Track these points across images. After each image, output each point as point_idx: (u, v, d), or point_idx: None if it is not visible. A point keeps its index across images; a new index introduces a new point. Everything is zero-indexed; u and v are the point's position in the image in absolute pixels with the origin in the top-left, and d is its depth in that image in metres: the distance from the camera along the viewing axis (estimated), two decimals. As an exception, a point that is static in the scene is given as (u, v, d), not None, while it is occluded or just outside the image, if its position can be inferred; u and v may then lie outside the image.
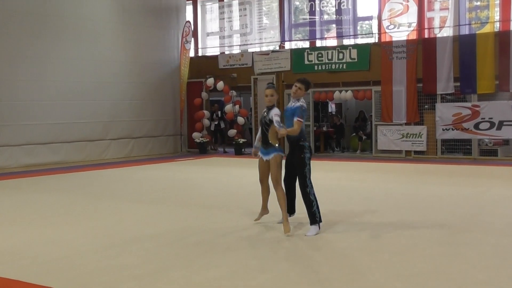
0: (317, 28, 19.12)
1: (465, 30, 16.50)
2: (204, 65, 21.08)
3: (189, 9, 21.88)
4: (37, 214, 8.73)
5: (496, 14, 16.09)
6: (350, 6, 18.33)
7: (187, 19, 21.26)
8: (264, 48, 20.38)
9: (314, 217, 6.86)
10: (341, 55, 18.15)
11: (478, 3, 16.25)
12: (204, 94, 20.58)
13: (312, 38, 19.39)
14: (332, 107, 22.70)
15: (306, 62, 18.71)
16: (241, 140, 19.47)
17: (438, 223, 7.43)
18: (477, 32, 16.19)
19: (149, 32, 19.76)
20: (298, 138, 6.95)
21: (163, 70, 20.34)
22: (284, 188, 7.09)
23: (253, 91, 19.72)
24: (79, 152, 17.37)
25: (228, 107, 19.89)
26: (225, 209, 8.78)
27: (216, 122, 20.82)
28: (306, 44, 19.99)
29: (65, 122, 16.93)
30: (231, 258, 5.88)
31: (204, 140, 20.21)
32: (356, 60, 17.90)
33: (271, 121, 6.88)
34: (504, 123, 15.56)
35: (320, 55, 18.52)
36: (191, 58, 21.17)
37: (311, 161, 7.06)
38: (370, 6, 18.63)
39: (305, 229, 6.94)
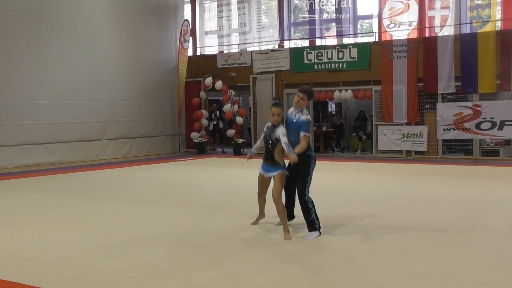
0: (317, 27, 19.14)
1: (466, 29, 16.53)
2: (203, 64, 21.09)
3: (187, 7, 21.88)
4: (35, 214, 8.74)
5: (497, 12, 16.10)
6: (350, 5, 18.34)
7: (185, 18, 21.26)
8: (263, 47, 20.39)
9: (313, 225, 6.84)
10: (341, 54, 18.17)
11: (480, 1, 16.28)
12: (202, 94, 20.59)
13: (311, 37, 19.39)
14: (332, 107, 22.73)
15: (306, 61, 18.72)
16: (240, 140, 19.48)
17: (439, 224, 7.44)
18: (478, 31, 16.21)
19: (147, 31, 19.77)
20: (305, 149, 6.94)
21: (161, 70, 20.35)
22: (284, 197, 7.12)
23: (252, 90, 19.73)
24: (76, 152, 17.39)
25: (227, 107, 19.89)
26: (224, 210, 8.79)
27: (214, 122, 20.83)
28: (305, 43, 20.00)
29: (62, 122, 16.95)
30: (230, 259, 5.89)
31: (203, 140, 20.21)
32: (356, 59, 17.92)
33: (278, 140, 6.84)
34: (506, 123, 15.58)
35: (319, 54, 18.54)
36: (189, 57, 21.18)
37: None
38: (370, 5, 18.64)
39: (304, 232, 6.93)
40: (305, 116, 6.90)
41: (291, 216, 7.30)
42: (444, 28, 16.93)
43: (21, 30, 16.00)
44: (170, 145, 20.77)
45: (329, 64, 18.36)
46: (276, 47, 19.94)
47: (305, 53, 18.82)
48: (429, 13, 17.13)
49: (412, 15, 17.28)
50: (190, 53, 21.42)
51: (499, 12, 16.13)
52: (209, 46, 21.79)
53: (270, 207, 7.40)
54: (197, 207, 9.16)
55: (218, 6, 21.22)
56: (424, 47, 16.80)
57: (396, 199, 9.66)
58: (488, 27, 16.11)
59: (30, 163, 16.08)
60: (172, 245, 6.52)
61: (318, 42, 19.46)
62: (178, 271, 5.48)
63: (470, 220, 7.80)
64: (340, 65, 18.19)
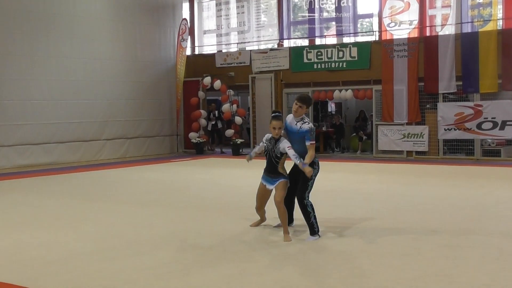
0: (317, 26, 19.12)
1: (467, 28, 16.52)
2: (201, 64, 21.09)
3: (185, 6, 21.87)
4: (31, 216, 8.73)
5: (499, 11, 16.09)
6: (350, 4, 18.33)
7: (183, 17, 21.25)
8: (262, 46, 20.38)
9: (313, 228, 6.84)
10: (341, 54, 18.17)
11: (481, 0, 16.27)
12: (201, 93, 20.58)
13: (311, 36, 19.38)
14: (331, 107, 22.72)
15: (305, 60, 18.72)
16: (239, 140, 19.47)
17: (440, 225, 7.44)
18: (479, 30, 16.20)
19: (145, 30, 19.76)
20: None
21: (159, 69, 20.34)
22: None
23: (251, 90, 19.72)
24: (73, 152, 17.37)
25: (226, 107, 19.88)
26: (223, 211, 8.78)
27: (213, 122, 20.81)
28: (305, 42, 19.99)
29: (58, 122, 16.93)
30: (229, 261, 5.88)
31: (201, 140, 20.20)
32: (356, 58, 17.92)
33: (282, 154, 6.85)
34: (507, 123, 15.58)
35: (319, 53, 18.53)
36: (188, 56, 21.16)
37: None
38: (370, 4, 18.63)
39: (304, 235, 6.92)
40: (307, 124, 6.88)
41: (290, 220, 7.27)
42: (445, 27, 16.92)
43: (17, 28, 15.98)
44: (168, 145, 20.76)
45: (329, 64, 18.36)
46: (276, 46, 19.94)
47: (304, 52, 18.82)
48: (430, 12, 17.11)
49: (413, 14, 17.27)
50: (188, 52, 21.40)
51: (501, 11, 16.12)
52: (208, 45, 21.78)
53: (271, 208, 7.39)
54: (196, 208, 9.15)
55: (216, 4, 21.21)
56: (425, 46, 16.80)
57: (397, 200, 9.66)
58: (489, 26, 16.10)
59: (26, 164, 16.06)
60: (170, 247, 6.50)
61: (318, 41, 19.44)
62: (176, 273, 5.47)
63: (472, 221, 7.79)
64: (340, 64, 18.19)
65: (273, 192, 7.01)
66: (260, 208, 7.34)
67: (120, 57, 18.84)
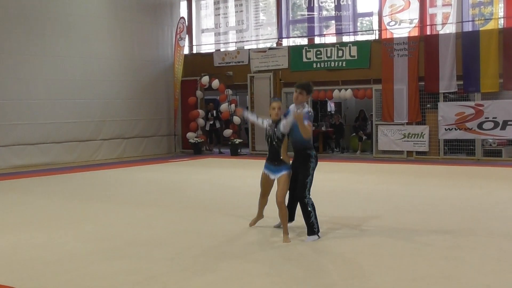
0: (316, 24, 19.12)
1: (468, 27, 16.54)
2: (199, 63, 21.08)
3: (183, 4, 21.86)
4: (27, 217, 8.73)
5: (500, 10, 16.12)
6: (349, 2, 18.34)
7: (181, 15, 21.25)
8: (261, 45, 20.39)
9: (312, 228, 6.81)
10: (340, 53, 18.18)
11: (482, -1, 16.31)
12: (198, 93, 20.58)
13: (310, 35, 19.38)
14: (331, 106, 22.73)
15: (304, 59, 18.73)
16: (237, 140, 19.48)
17: (441, 226, 7.45)
18: (480, 28, 16.22)
19: (142, 28, 19.76)
20: (305, 146, 6.90)
21: (156, 68, 20.34)
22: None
23: (250, 89, 19.72)
24: (69, 152, 17.36)
25: (224, 106, 19.89)
26: (221, 212, 8.79)
27: (211, 122, 20.81)
28: (304, 41, 19.99)
29: (55, 122, 16.92)
30: (227, 262, 5.89)
31: (199, 140, 20.21)
32: (356, 57, 17.93)
33: (283, 135, 6.85)
34: (509, 122, 15.61)
35: (318, 52, 18.54)
36: (186, 55, 21.16)
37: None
38: (370, 2, 18.67)
39: (304, 235, 6.90)
40: (307, 108, 6.92)
41: (291, 217, 7.26)
42: (446, 26, 16.94)
43: (13, 27, 15.96)
44: (165, 145, 20.75)
45: (328, 63, 18.38)
46: (274, 45, 19.95)
47: (303, 51, 18.83)
48: (430, 10, 17.14)
49: (413, 13, 17.29)
50: (186, 51, 21.41)
51: (502, 10, 16.15)
52: (206, 44, 21.77)
53: (271, 208, 7.40)
54: (194, 209, 9.15)
55: (214, 3, 21.20)
56: (425, 45, 16.82)
57: (397, 200, 9.67)
58: (490, 25, 16.12)
59: (22, 164, 16.05)
60: (168, 248, 6.51)
61: (317, 40, 19.45)
62: (174, 275, 5.48)
63: (472, 222, 7.81)
64: (340, 63, 18.20)
65: (275, 190, 6.97)
66: (264, 195, 7.25)
67: (117, 56, 18.83)
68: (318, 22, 19.14)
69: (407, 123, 17.11)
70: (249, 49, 20.16)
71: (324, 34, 19.41)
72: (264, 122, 7.04)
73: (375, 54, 17.63)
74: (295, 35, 20.56)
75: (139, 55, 19.59)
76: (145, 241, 6.90)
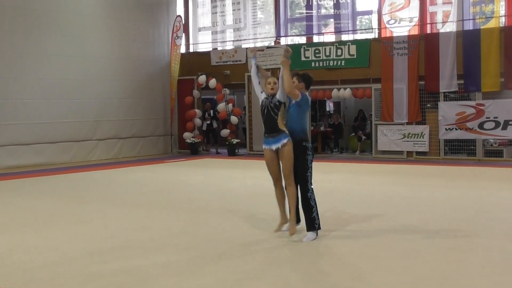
0: (314, 23, 19.12)
1: (469, 25, 16.55)
2: (196, 62, 21.08)
3: (180, 3, 21.86)
4: (21, 218, 8.70)
5: (501, 8, 16.14)
6: (349, 0, 18.34)
7: (177, 14, 21.25)
8: (259, 44, 20.38)
9: (313, 223, 6.79)
10: (339, 51, 18.18)
11: (483, -3, 16.32)
12: (195, 92, 20.57)
13: (309, 33, 19.39)
14: (330, 106, 22.74)
15: (303, 58, 18.72)
16: (235, 141, 19.47)
17: (441, 228, 7.45)
18: (481, 27, 16.23)
19: (138, 27, 19.74)
20: (301, 138, 6.86)
21: (152, 67, 20.33)
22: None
23: (247, 89, 19.71)
24: (64, 153, 17.34)
25: (221, 106, 19.89)
26: (218, 213, 8.78)
27: (208, 122, 20.81)
28: (302, 40, 20.00)
29: (49, 122, 16.90)
30: (224, 264, 5.88)
31: (196, 141, 20.20)
32: (355, 56, 17.93)
33: (280, 103, 6.74)
34: (510, 122, 15.61)
35: (317, 51, 18.54)
36: (182, 54, 21.15)
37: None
38: (369, 0, 18.67)
39: (301, 235, 6.91)
40: (307, 94, 6.96)
41: (296, 219, 7.09)
42: (446, 24, 16.96)
43: (6, 25, 15.94)
44: (162, 146, 20.75)
45: (327, 62, 18.37)
46: (272, 44, 19.94)
47: (302, 50, 18.82)
48: (430, 8, 17.15)
49: (413, 11, 17.30)
50: (183, 50, 21.39)
51: (503, 8, 16.16)
52: (203, 42, 21.76)
53: (271, 209, 7.39)
54: (190, 210, 9.14)
55: (211, 1, 21.19)
56: (425, 44, 16.82)
57: (397, 201, 9.66)
58: (491, 23, 16.14)
59: (16, 165, 16.02)
60: (163, 250, 6.50)
61: (316, 39, 19.46)
62: (170, 277, 5.46)
63: (473, 223, 7.80)
64: (339, 62, 18.20)
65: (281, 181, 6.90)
66: (278, 180, 6.92)
67: (113, 55, 18.81)
68: (317, 20, 19.14)
69: (407, 123, 17.11)
70: (246, 48, 20.15)
71: (323, 33, 19.41)
72: (262, 95, 6.97)
73: (375, 53, 17.63)
74: (293, 34, 20.56)
75: (135, 54, 19.57)
76: (141, 242, 6.89)
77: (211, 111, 20.87)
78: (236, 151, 19.53)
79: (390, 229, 7.43)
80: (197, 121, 20.50)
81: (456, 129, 16.33)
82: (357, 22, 19.06)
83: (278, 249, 6.47)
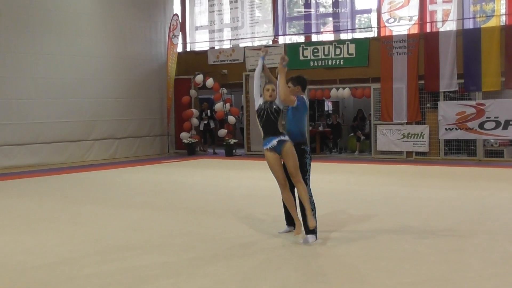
0: (313, 21, 19.14)
1: (469, 24, 16.57)
2: (193, 61, 21.07)
3: (176, 1, 21.86)
4: (16, 219, 8.68)
5: (502, 7, 16.16)
6: (347, -1, 18.38)
7: (174, 12, 21.25)
8: (257, 43, 20.38)
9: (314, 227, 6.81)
10: (338, 51, 18.18)
11: (483, -5, 16.33)
12: (192, 92, 20.56)
13: (307, 32, 19.40)
14: (328, 106, 22.73)
15: (301, 57, 18.72)
16: (232, 141, 19.46)
17: (441, 229, 7.45)
18: (482, 26, 16.25)
19: (134, 25, 19.72)
20: (300, 141, 6.88)
21: (149, 66, 20.31)
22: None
23: (245, 88, 19.71)
24: (59, 153, 17.32)
25: (218, 106, 19.88)
26: (215, 214, 8.77)
27: (205, 122, 20.79)
28: (301, 39, 19.99)
29: (44, 122, 16.87)
30: (221, 266, 5.87)
31: (193, 141, 20.19)
32: (354, 55, 17.94)
33: (280, 109, 6.74)
34: (511, 122, 15.63)
35: (316, 50, 18.54)
36: (179, 53, 21.15)
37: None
38: (369, -1, 18.71)
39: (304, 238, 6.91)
40: (302, 96, 6.96)
41: (292, 222, 7.10)
42: (446, 23, 16.97)
43: (0, 23, 15.90)
44: (158, 146, 20.74)
45: (326, 61, 18.37)
46: (270, 43, 19.94)
47: (300, 49, 18.82)
48: (430, 7, 17.17)
49: (413, 10, 17.32)
50: (179, 49, 21.40)
51: (504, 6, 16.18)
52: (200, 41, 21.76)
53: (270, 209, 7.38)
54: (187, 211, 9.13)
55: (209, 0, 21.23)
56: (425, 43, 16.83)
57: (396, 202, 9.67)
58: (492, 22, 16.15)
59: (11, 165, 15.99)
60: (160, 251, 6.49)
61: (314, 38, 19.47)
62: (166, 279, 5.45)
63: (474, 224, 7.81)
64: (337, 61, 18.20)
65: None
66: (284, 185, 6.77)
67: (109, 54, 18.79)
68: (315, 19, 19.16)
69: (407, 123, 17.12)
70: (244, 47, 20.16)
71: (322, 32, 19.42)
72: (259, 99, 6.96)
73: (374, 52, 17.64)
74: (292, 33, 20.56)
75: (131, 52, 19.55)
76: (138, 244, 6.88)
77: (208, 111, 20.86)
78: (234, 151, 19.52)
79: (389, 230, 7.43)
80: (194, 121, 20.49)
81: (456, 129, 16.34)
82: (356, 21, 19.08)
83: (277, 250, 6.47)
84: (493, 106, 15.85)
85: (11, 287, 5.29)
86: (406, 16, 17.43)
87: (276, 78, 6.93)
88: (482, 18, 16.30)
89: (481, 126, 15.99)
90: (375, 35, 18.16)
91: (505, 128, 15.71)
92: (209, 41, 21.42)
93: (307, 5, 19.11)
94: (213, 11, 21.12)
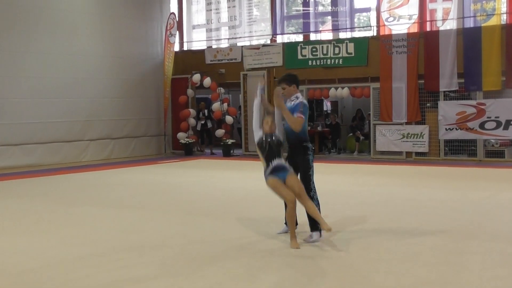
0: (311, 20, 19.14)
1: (469, 23, 16.58)
2: (190, 60, 21.06)
3: (173, -1, 21.89)
4: (9, 221, 8.67)
5: (503, 5, 16.17)
6: (346, -3, 18.38)
7: (171, 11, 21.24)
8: (255, 42, 20.38)
9: (316, 224, 6.81)
10: (337, 50, 18.18)
11: (484, -6, 16.34)
12: (189, 92, 20.55)
13: (306, 31, 19.41)
14: (327, 105, 22.74)
15: (300, 57, 18.73)
16: (230, 141, 19.46)
17: (442, 230, 7.44)
18: (482, 24, 16.27)
19: (131, 24, 19.71)
20: (302, 139, 6.91)
21: (145, 66, 20.30)
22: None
23: (243, 88, 19.71)
24: (54, 154, 17.29)
25: (216, 105, 19.87)
26: (213, 215, 8.76)
27: (202, 122, 20.78)
28: (299, 38, 20.01)
29: (39, 122, 16.84)
30: (219, 268, 5.85)
31: (190, 141, 20.18)
32: (353, 54, 17.94)
33: (281, 141, 6.84)
34: (511, 122, 15.64)
35: (314, 49, 18.54)
36: (176, 52, 21.14)
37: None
38: (368, -3, 18.72)
39: (301, 238, 6.89)
40: (300, 99, 6.94)
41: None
42: (446, 21, 16.99)
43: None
44: (155, 146, 20.73)
45: (325, 60, 18.37)
46: (268, 42, 19.94)
47: (299, 48, 18.82)
48: (430, 6, 17.18)
49: (413, 8, 17.33)
50: (176, 48, 21.39)
51: (505, 5, 16.20)
52: (197, 40, 21.76)
53: (268, 210, 7.37)
54: (184, 212, 9.12)
55: (206, -2, 21.22)
56: (425, 42, 16.84)
57: (396, 203, 9.66)
58: (492, 21, 16.17)
59: (5, 166, 15.94)
60: (157, 254, 6.47)
61: (313, 37, 19.47)
62: (163, 281, 5.44)
63: (474, 225, 7.81)
64: (336, 61, 18.20)
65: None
66: (294, 199, 6.59)
67: (104, 53, 18.77)
68: (314, 17, 19.16)
69: (406, 123, 17.13)
70: (242, 46, 20.16)
71: (320, 31, 19.41)
72: (259, 131, 6.97)
73: (373, 51, 17.64)
74: (290, 32, 20.56)
75: (127, 52, 19.54)
76: (133, 246, 6.86)
77: (206, 111, 20.84)
78: (231, 151, 19.51)
79: (389, 231, 7.43)
80: (191, 121, 20.48)
81: (456, 129, 16.35)
82: (355, 20, 19.09)
83: (275, 251, 6.46)
84: (494, 105, 15.85)
85: (5, 289, 5.28)
86: (405, 14, 17.45)
87: (270, 102, 6.91)
88: (483, 16, 16.32)
89: (481, 126, 15.99)
90: (375, 34, 18.17)
91: (506, 128, 15.71)
92: (206, 40, 21.43)
93: (305, 3, 19.11)
94: (211, 10, 21.12)
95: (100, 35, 18.69)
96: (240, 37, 20.62)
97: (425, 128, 16.84)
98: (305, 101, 7.00)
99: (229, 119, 19.73)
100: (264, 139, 6.85)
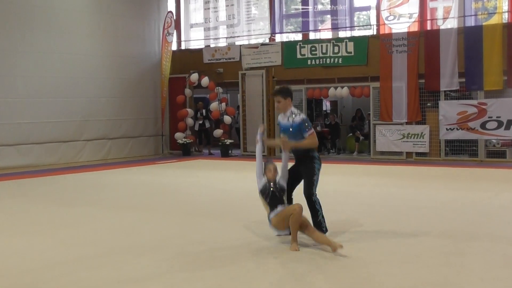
0: (311, 19, 19.14)
1: (470, 22, 16.58)
2: (188, 59, 21.06)
3: (171, -2, 21.88)
4: (6, 222, 8.67)
5: (504, 4, 16.17)
6: (346, -4, 18.39)
7: (169, 9, 21.22)
8: (253, 41, 20.37)
9: (320, 227, 6.89)
10: (336, 49, 18.19)
11: (485, -8, 16.36)
12: (187, 91, 20.54)
13: (305, 30, 19.40)
14: (326, 105, 22.75)
15: (299, 56, 18.73)
16: (228, 141, 19.46)
17: (442, 231, 7.46)
18: (483, 23, 16.27)
19: (128, 23, 19.70)
20: (308, 150, 7.00)
21: (142, 65, 20.29)
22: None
23: (241, 87, 19.71)
24: (51, 154, 17.28)
25: (214, 105, 19.87)
26: (211, 216, 8.77)
27: (200, 121, 20.78)
28: (298, 37, 20.01)
29: (35, 122, 16.84)
30: (217, 270, 5.86)
31: (188, 141, 20.17)
32: (352, 54, 17.94)
33: (284, 188, 6.94)
34: (513, 122, 15.68)
35: (313, 48, 18.55)
36: (174, 51, 21.13)
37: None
38: (368, -4, 18.72)
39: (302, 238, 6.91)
40: (299, 116, 6.99)
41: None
42: (447, 20, 16.99)
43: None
44: (152, 146, 20.71)
45: (324, 59, 18.38)
46: (267, 41, 19.93)
47: (298, 47, 18.83)
48: (431, 4, 17.18)
49: (413, 7, 17.33)
50: (174, 47, 21.37)
51: (506, 4, 16.19)
52: (195, 39, 21.75)
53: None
54: (182, 213, 9.13)
55: (204, -4, 21.21)
56: (425, 41, 16.84)
57: (396, 204, 9.67)
58: (494, 20, 16.18)
59: (1, 166, 15.92)
60: (154, 255, 6.48)
61: (312, 36, 19.47)
62: (161, 283, 5.45)
63: (476, 226, 7.82)
64: (336, 60, 18.21)
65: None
66: (304, 226, 6.72)
67: (101, 52, 18.77)
68: (313, 16, 19.15)
69: (407, 123, 17.14)
70: (240, 45, 20.16)
71: (319, 29, 19.42)
72: (263, 179, 7.01)
73: (373, 50, 17.65)
74: (289, 30, 20.57)
75: (124, 51, 19.53)
76: (131, 247, 6.87)
77: (204, 111, 20.85)
78: (230, 152, 19.51)
79: (389, 232, 7.44)
80: (189, 120, 20.47)
81: (457, 129, 16.36)
82: (355, 18, 19.10)
83: (273, 253, 6.46)
84: (495, 105, 15.86)
85: (1, 291, 5.29)
86: (406, 13, 17.45)
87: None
88: (484, 15, 16.33)
89: (482, 126, 16.00)
90: (374, 33, 18.17)
91: (507, 128, 15.72)
92: (204, 39, 21.42)
93: (304, 2, 19.11)
94: (208, 8, 21.11)
95: (96, 34, 18.68)
96: (239, 36, 20.61)
97: (425, 128, 16.85)
98: (304, 116, 7.07)
99: (227, 119, 19.73)
100: (267, 186, 6.92)
